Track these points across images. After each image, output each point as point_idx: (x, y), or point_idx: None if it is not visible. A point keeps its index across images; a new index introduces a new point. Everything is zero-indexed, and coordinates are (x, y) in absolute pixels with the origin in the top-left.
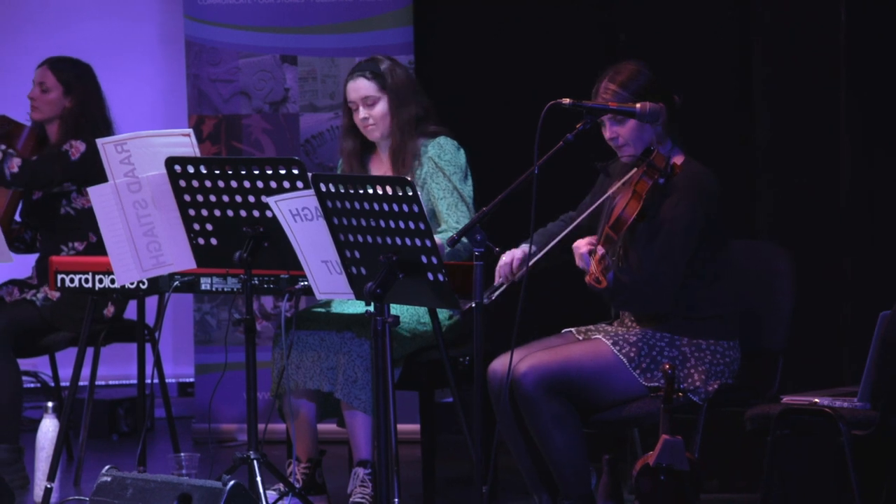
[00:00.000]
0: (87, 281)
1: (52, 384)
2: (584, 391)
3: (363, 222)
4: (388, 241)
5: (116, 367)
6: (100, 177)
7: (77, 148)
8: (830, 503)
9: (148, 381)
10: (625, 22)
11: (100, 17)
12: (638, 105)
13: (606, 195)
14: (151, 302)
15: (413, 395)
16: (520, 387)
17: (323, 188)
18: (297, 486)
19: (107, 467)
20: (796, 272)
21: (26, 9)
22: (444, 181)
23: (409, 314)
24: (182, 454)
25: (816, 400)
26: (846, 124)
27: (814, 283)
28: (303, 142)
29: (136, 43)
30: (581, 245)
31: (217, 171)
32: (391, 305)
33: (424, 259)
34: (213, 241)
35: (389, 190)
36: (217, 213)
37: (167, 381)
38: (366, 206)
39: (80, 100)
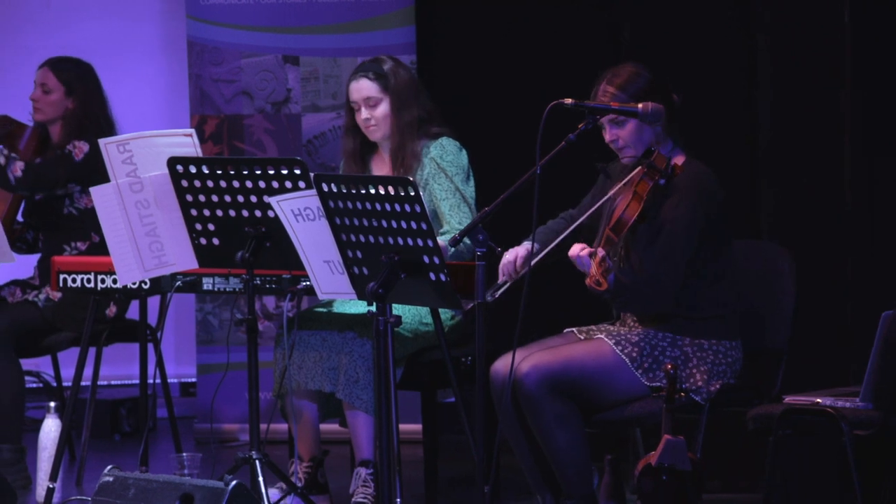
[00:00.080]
0: (89, 281)
1: (55, 384)
2: (586, 391)
3: (365, 222)
4: (390, 241)
5: (118, 367)
6: (104, 177)
7: (80, 148)
8: (832, 503)
9: (150, 381)
10: (628, 22)
11: (101, 17)
12: (640, 105)
13: (607, 197)
14: (154, 302)
15: (415, 395)
16: (522, 386)
17: (325, 188)
18: (300, 485)
19: (109, 467)
20: (798, 272)
21: (28, 9)
22: (446, 182)
23: (410, 314)
24: (184, 454)
25: (818, 400)
26: (849, 124)
27: (816, 283)
28: (305, 142)
29: (138, 43)
30: (576, 250)
31: (219, 172)
32: (393, 305)
33: (426, 259)
34: (216, 241)
35: (391, 190)
36: (219, 213)
37: (169, 381)
38: (368, 206)
39: (82, 100)
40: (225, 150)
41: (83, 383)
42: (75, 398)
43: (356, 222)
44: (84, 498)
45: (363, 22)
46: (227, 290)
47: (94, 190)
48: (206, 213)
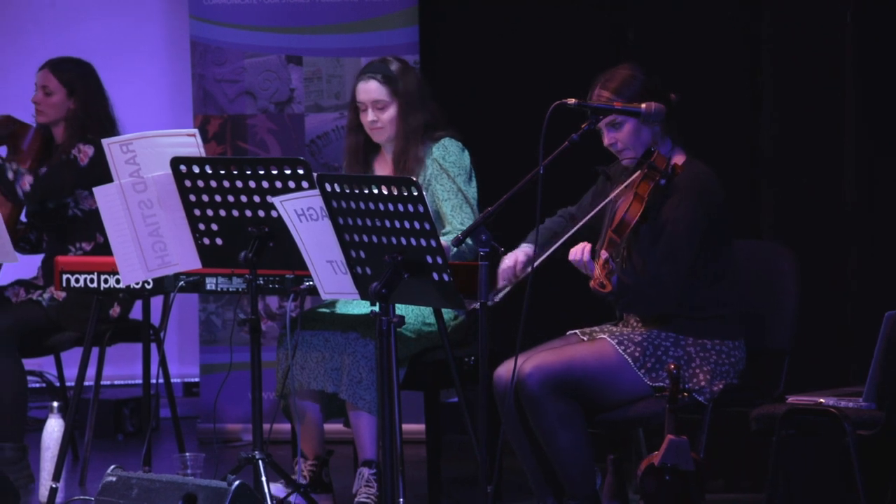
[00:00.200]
0: (92, 281)
1: (58, 384)
2: (589, 391)
3: (368, 222)
4: (394, 241)
5: (121, 367)
6: (110, 179)
7: (85, 153)
8: (835, 503)
9: (153, 381)
10: (632, 22)
11: (105, 17)
12: (643, 105)
13: (608, 199)
14: (157, 302)
15: (418, 395)
16: (525, 387)
17: (328, 188)
18: (304, 483)
19: (112, 467)
20: (800, 272)
21: (30, 9)
22: (448, 183)
23: (414, 314)
24: (187, 454)
25: (821, 400)
26: (850, 124)
27: (818, 283)
28: (308, 142)
29: (141, 43)
30: (577, 253)
31: (222, 171)
32: (396, 305)
33: (430, 259)
34: (219, 241)
35: (395, 190)
36: (222, 213)
37: (172, 380)
38: (371, 206)
39: (84, 100)
40: (228, 150)
41: (86, 383)
42: (78, 398)
43: (359, 222)
44: (87, 498)
45: (366, 22)
46: (231, 290)
47: (97, 190)
48: (210, 213)
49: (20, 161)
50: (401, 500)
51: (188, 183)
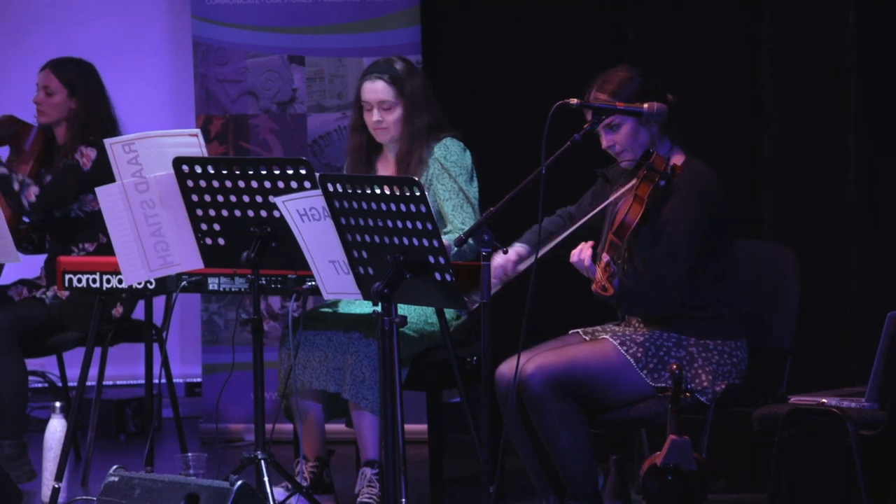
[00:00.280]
0: (94, 281)
1: (60, 384)
2: (591, 391)
3: (370, 222)
4: (396, 241)
5: (124, 367)
6: (113, 180)
7: (88, 156)
8: (838, 503)
9: (155, 381)
10: (633, 22)
11: (106, 17)
12: (646, 105)
13: (608, 201)
14: (159, 302)
15: (420, 395)
16: (527, 387)
17: (330, 188)
18: (305, 484)
19: (114, 467)
20: (802, 272)
21: (32, 9)
22: (449, 182)
23: (416, 314)
24: (189, 454)
25: (824, 400)
26: (851, 124)
27: (820, 283)
28: (310, 142)
29: (143, 43)
30: (577, 256)
31: (224, 171)
32: (398, 305)
33: (432, 259)
34: (221, 241)
35: (397, 190)
36: (224, 213)
37: (175, 381)
38: (373, 206)
39: (86, 100)
40: (230, 150)
41: (89, 383)
42: (81, 398)
43: (361, 222)
44: (89, 498)
45: (368, 22)
46: (233, 290)
47: (99, 190)
48: (212, 213)
49: (23, 161)
50: (403, 500)
51: (190, 183)
